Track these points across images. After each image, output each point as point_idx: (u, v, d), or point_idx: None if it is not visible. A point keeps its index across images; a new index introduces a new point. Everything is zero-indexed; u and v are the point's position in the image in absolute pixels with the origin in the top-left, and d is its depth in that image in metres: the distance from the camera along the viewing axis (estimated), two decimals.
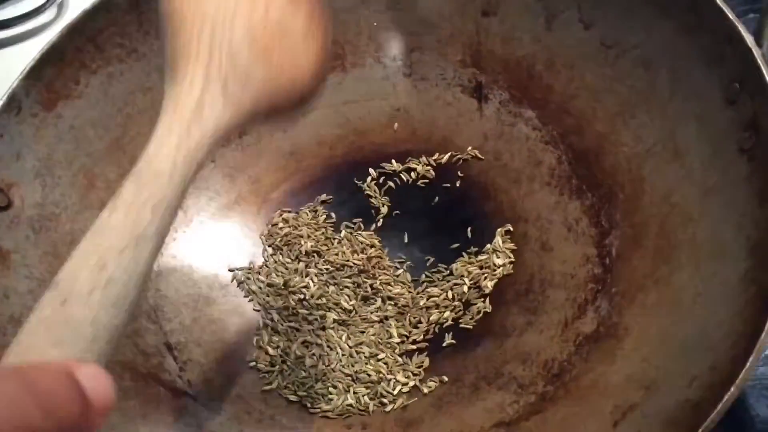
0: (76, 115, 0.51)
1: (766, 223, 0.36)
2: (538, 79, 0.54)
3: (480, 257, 0.52)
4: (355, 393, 0.48)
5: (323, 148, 0.58)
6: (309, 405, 0.47)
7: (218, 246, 0.55)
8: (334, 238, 0.55)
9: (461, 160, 0.57)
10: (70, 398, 0.22)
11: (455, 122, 0.58)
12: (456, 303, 0.51)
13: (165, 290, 0.51)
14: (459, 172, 0.56)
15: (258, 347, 0.50)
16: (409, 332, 0.50)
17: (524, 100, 0.55)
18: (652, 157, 0.47)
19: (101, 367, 0.24)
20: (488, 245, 0.52)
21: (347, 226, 0.55)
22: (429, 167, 0.57)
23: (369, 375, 0.48)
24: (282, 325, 0.51)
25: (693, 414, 0.32)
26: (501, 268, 0.51)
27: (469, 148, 0.57)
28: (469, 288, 0.51)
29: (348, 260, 0.53)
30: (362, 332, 0.50)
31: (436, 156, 0.57)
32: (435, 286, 0.52)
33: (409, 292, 0.52)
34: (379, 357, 0.49)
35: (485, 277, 0.51)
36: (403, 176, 0.57)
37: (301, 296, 0.52)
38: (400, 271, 0.53)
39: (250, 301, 0.53)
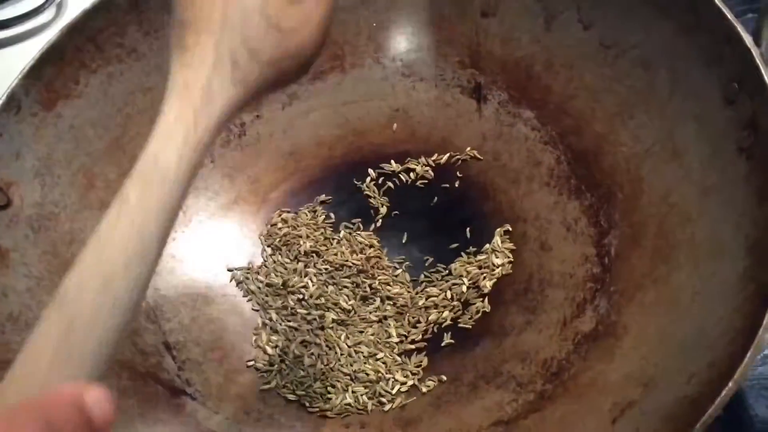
0: (75, 114, 0.51)
1: (765, 222, 0.36)
2: (537, 80, 0.54)
3: (479, 257, 0.52)
4: (353, 392, 0.47)
5: (322, 149, 0.58)
6: (307, 404, 0.47)
7: (217, 246, 0.55)
8: (333, 239, 0.55)
9: (460, 161, 0.57)
10: (82, 427, 0.22)
11: (454, 123, 0.58)
12: (455, 303, 0.51)
13: (164, 290, 0.51)
14: (458, 173, 0.56)
15: (257, 347, 0.50)
16: (408, 332, 0.50)
17: (523, 101, 0.55)
18: (650, 157, 0.47)
19: (102, 384, 0.24)
20: (487, 245, 0.52)
21: (346, 227, 0.55)
22: (428, 168, 0.57)
23: (368, 374, 0.48)
24: (281, 324, 0.51)
25: (691, 410, 0.32)
26: (500, 268, 0.51)
27: (468, 148, 0.57)
28: (468, 288, 0.51)
29: (347, 260, 0.53)
30: (361, 332, 0.50)
31: (435, 156, 0.57)
32: (434, 286, 0.52)
33: (408, 292, 0.52)
34: (378, 356, 0.49)
35: (484, 277, 0.51)
36: (402, 177, 0.57)
37: (300, 296, 0.52)
38: (399, 271, 0.53)
39: (249, 300, 0.53)
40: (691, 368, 0.35)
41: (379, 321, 0.51)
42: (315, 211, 0.56)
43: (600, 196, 0.49)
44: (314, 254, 0.54)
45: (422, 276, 0.52)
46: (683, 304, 0.40)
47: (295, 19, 0.29)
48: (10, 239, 0.46)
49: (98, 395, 0.23)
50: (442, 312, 0.50)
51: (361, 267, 0.53)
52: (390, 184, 0.57)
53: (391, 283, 0.52)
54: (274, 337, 0.50)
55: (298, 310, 0.51)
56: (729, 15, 0.41)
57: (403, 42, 0.59)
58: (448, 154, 0.57)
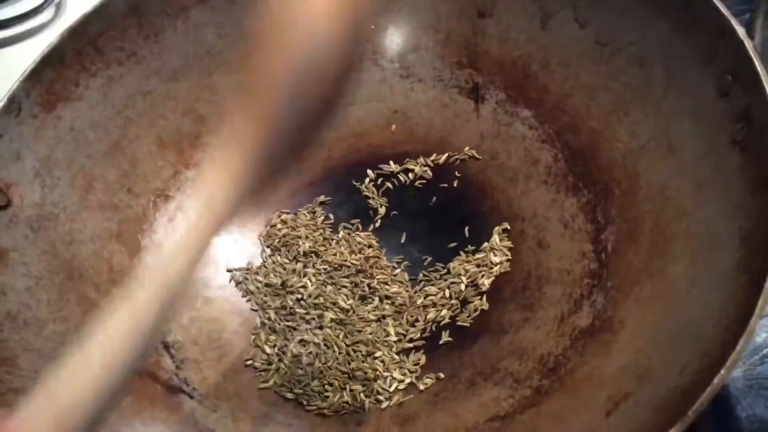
0: (75, 116, 0.51)
1: (758, 212, 0.36)
2: (534, 79, 0.55)
3: (477, 255, 0.52)
4: (351, 390, 0.47)
5: (321, 150, 0.59)
6: (305, 402, 0.47)
7: (216, 247, 0.55)
8: (332, 239, 0.55)
9: (458, 161, 0.57)
10: None
11: (452, 123, 0.58)
12: (453, 301, 0.51)
13: None
14: (456, 172, 0.56)
15: (255, 346, 0.50)
16: (406, 330, 0.50)
17: (520, 100, 0.55)
18: (646, 152, 0.47)
19: None
20: (485, 243, 0.52)
21: (345, 227, 0.56)
22: (426, 168, 0.57)
23: (365, 373, 0.48)
24: (279, 324, 0.51)
25: (683, 399, 0.31)
26: (498, 266, 0.51)
27: (467, 148, 0.57)
28: (467, 286, 0.51)
29: (346, 260, 0.53)
30: (359, 331, 0.50)
31: (433, 156, 0.57)
32: (432, 284, 0.52)
33: (407, 291, 0.52)
34: (376, 355, 0.49)
35: (482, 275, 0.51)
36: (400, 177, 0.57)
37: (299, 296, 0.52)
38: (398, 270, 0.53)
39: (248, 300, 0.53)
40: (685, 359, 0.35)
41: (378, 320, 0.51)
42: (314, 212, 0.56)
43: (597, 193, 0.49)
44: (313, 254, 0.54)
45: (421, 275, 0.52)
46: (678, 296, 0.39)
47: None
48: (10, 239, 0.47)
49: None
50: (441, 310, 0.50)
51: (359, 267, 0.53)
52: (389, 184, 0.57)
53: (390, 283, 0.52)
54: (272, 337, 0.51)
55: (297, 310, 0.51)
56: (723, 9, 0.41)
57: (400, 43, 0.59)
58: (446, 154, 0.57)
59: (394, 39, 0.59)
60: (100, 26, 0.52)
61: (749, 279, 0.34)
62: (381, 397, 0.47)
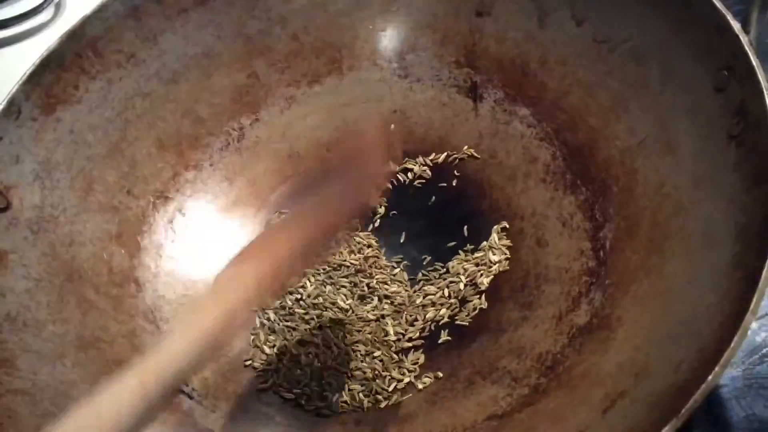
0: (75, 119, 0.52)
1: (753, 207, 0.36)
2: (532, 77, 0.54)
3: (476, 254, 0.52)
4: (350, 390, 0.47)
5: (321, 151, 0.59)
6: (304, 402, 0.47)
7: (216, 247, 0.55)
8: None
9: (457, 160, 0.57)
10: None
11: (451, 122, 0.58)
12: (452, 300, 0.51)
13: (163, 291, 0.52)
14: (455, 171, 0.56)
15: (254, 346, 0.50)
16: (405, 330, 0.50)
17: (518, 98, 0.55)
18: (644, 149, 0.47)
19: None
20: (484, 242, 0.52)
21: (344, 227, 0.55)
22: (425, 167, 0.57)
23: (364, 372, 0.48)
24: (279, 324, 0.51)
25: (678, 396, 0.31)
26: (497, 265, 0.51)
27: (465, 147, 0.57)
28: (465, 285, 0.51)
29: (345, 260, 0.53)
30: (358, 331, 0.50)
31: (432, 156, 0.57)
32: (431, 284, 0.52)
33: (406, 290, 0.52)
34: (375, 355, 0.49)
35: (481, 274, 0.51)
36: (400, 176, 0.57)
37: (298, 296, 0.52)
38: (397, 270, 0.53)
39: None
40: (681, 356, 0.34)
41: (377, 320, 0.51)
42: None
43: (595, 191, 0.49)
44: None
45: (420, 274, 0.52)
46: (675, 293, 0.39)
47: None
48: (10, 241, 0.47)
49: None
50: (440, 310, 0.50)
51: (359, 266, 0.53)
52: (388, 184, 0.57)
53: (389, 282, 0.52)
54: (271, 337, 0.51)
55: (296, 310, 0.52)
56: (718, 4, 0.41)
57: (399, 43, 0.59)
58: (445, 154, 0.57)
59: (392, 39, 0.59)
60: (99, 29, 0.52)
61: (744, 275, 0.34)
62: (380, 397, 0.47)
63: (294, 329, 0.51)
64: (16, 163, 0.49)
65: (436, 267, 0.53)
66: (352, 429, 0.46)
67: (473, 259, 0.52)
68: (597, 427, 0.37)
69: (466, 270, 0.51)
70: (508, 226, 0.53)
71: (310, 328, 0.50)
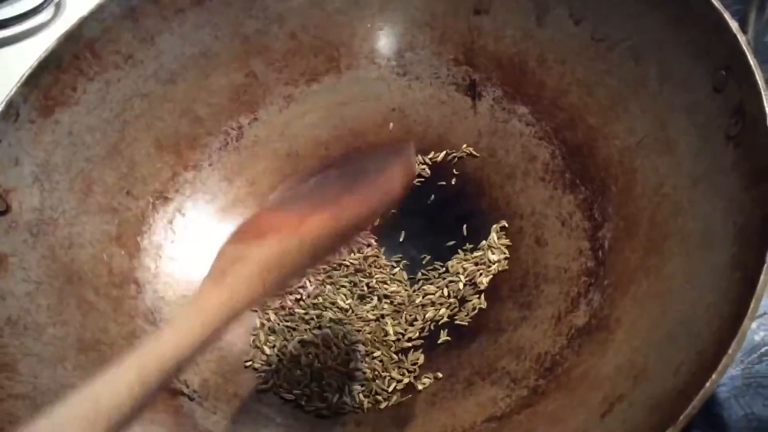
0: (73, 121, 0.52)
1: (751, 207, 0.36)
2: (531, 76, 0.54)
3: (475, 254, 0.52)
4: (349, 391, 0.48)
5: (319, 149, 0.59)
6: (304, 403, 0.47)
7: (216, 248, 0.55)
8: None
9: (456, 158, 0.57)
10: None
11: (450, 120, 0.58)
12: (451, 300, 0.51)
13: (163, 292, 0.52)
14: (454, 170, 0.56)
15: (254, 347, 0.51)
16: (405, 330, 0.50)
17: (517, 97, 0.55)
18: (643, 148, 0.46)
19: None
20: (483, 242, 0.52)
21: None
22: (424, 166, 0.57)
23: (364, 373, 0.48)
24: (279, 324, 0.51)
25: (677, 400, 0.31)
26: (496, 264, 0.51)
27: (464, 145, 0.57)
28: (465, 285, 0.51)
29: (344, 260, 0.53)
30: (358, 331, 0.50)
31: (431, 154, 0.57)
32: (431, 283, 0.52)
33: (405, 290, 0.52)
34: (375, 355, 0.49)
35: (480, 274, 0.51)
36: None
37: (298, 296, 0.52)
38: (397, 269, 0.53)
39: None
40: (680, 358, 0.34)
41: (377, 319, 0.51)
42: None
43: (594, 190, 0.49)
44: None
45: (419, 274, 0.52)
46: (674, 294, 0.39)
47: None
48: (9, 244, 0.47)
49: None
50: (439, 309, 0.50)
51: (358, 266, 0.53)
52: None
53: (389, 282, 0.52)
54: (272, 337, 0.51)
55: (296, 310, 0.52)
56: (716, 3, 0.41)
57: (397, 42, 0.59)
58: (444, 152, 0.57)
59: (390, 37, 0.59)
60: (96, 30, 0.52)
61: (742, 276, 0.34)
62: (380, 398, 0.47)
63: (294, 329, 0.51)
64: (15, 166, 0.49)
65: (436, 266, 0.53)
66: (352, 430, 0.46)
67: (472, 258, 0.52)
68: (595, 430, 0.37)
69: (465, 269, 0.51)
70: (507, 225, 0.53)
71: (310, 328, 0.51)
